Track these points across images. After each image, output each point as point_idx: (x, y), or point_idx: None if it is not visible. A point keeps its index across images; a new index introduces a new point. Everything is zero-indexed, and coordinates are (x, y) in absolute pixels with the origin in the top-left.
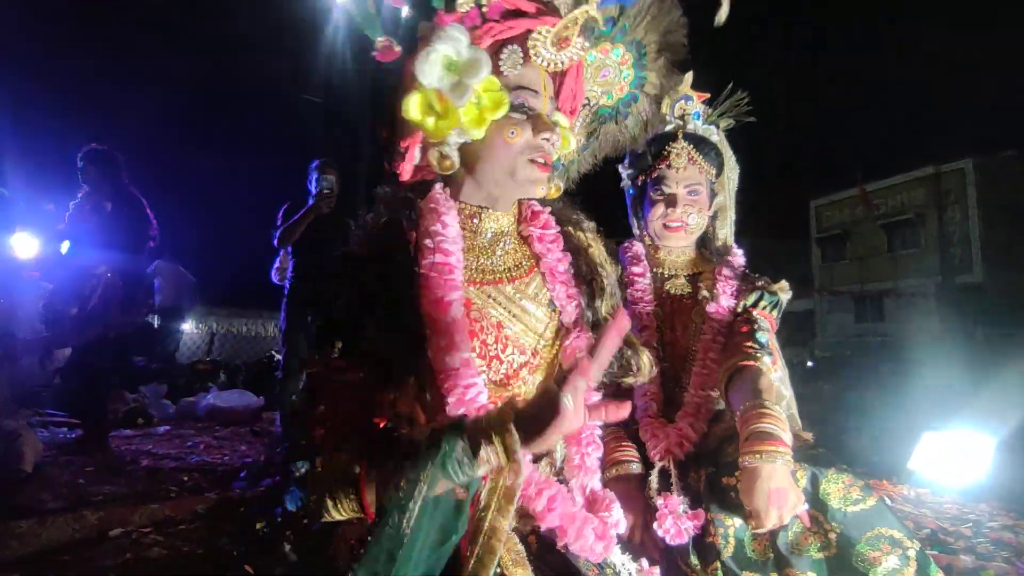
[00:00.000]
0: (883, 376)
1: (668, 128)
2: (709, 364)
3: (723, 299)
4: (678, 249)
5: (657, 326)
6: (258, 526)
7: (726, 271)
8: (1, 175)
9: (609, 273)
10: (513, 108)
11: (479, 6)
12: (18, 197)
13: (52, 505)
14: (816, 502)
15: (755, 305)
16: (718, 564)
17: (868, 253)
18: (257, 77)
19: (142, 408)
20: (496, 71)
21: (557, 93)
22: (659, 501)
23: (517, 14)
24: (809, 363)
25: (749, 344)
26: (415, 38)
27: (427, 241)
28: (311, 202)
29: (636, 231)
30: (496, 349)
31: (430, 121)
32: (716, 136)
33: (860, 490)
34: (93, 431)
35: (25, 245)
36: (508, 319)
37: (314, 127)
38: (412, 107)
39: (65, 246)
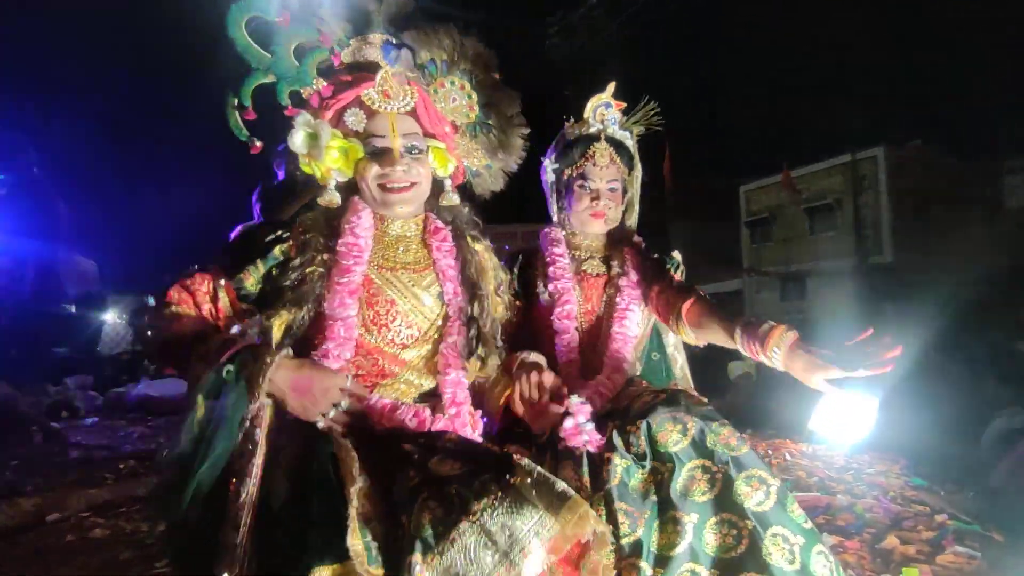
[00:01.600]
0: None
1: (591, 130)
2: (623, 330)
3: (632, 274)
4: (593, 235)
5: (576, 299)
6: None
7: (632, 252)
8: None
9: (492, 279)
10: (367, 151)
11: (316, 92)
12: None
13: None
14: (704, 450)
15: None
16: (603, 492)
17: (792, 236)
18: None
19: (67, 400)
20: (345, 129)
21: (424, 125)
22: (571, 406)
23: (343, 86)
24: None
25: (684, 287)
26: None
27: (346, 226)
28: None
29: (555, 217)
30: (386, 319)
31: (315, 172)
32: (630, 141)
33: (737, 440)
34: (9, 426)
35: None
36: (401, 299)
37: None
38: (301, 165)
39: None
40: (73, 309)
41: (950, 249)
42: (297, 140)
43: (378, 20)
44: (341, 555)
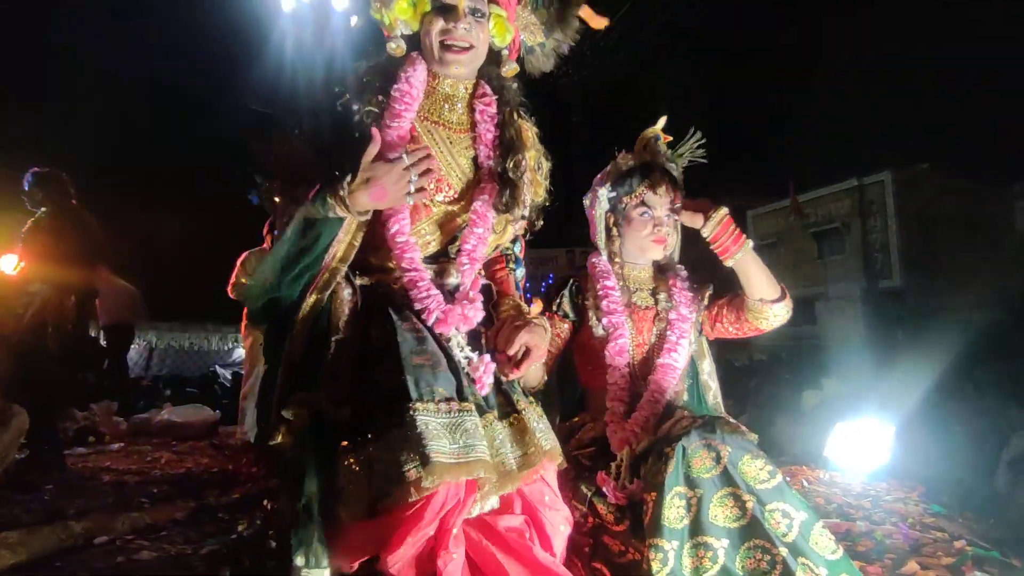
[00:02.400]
0: (811, 375)
1: (647, 160)
2: (670, 361)
3: (682, 308)
4: (642, 266)
5: (629, 334)
6: (240, 528)
7: (679, 283)
8: None
9: (532, 157)
10: (433, 7)
11: None
12: None
13: (28, 520)
14: (735, 479)
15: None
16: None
17: (800, 260)
18: (201, 85)
19: (93, 426)
20: None
21: None
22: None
23: None
24: (746, 362)
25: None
26: None
27: (402, 74)
28: None
29: (604, 246)
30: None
31: (384, 20)
32: (677, 172)
33: (768, 472)
34: (45, 451)
35: None
36: (437, 152)
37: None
38: (372, 11)
39: (7, 262)
40: (103, 335)
41: (960, 273)
42: None
43: None
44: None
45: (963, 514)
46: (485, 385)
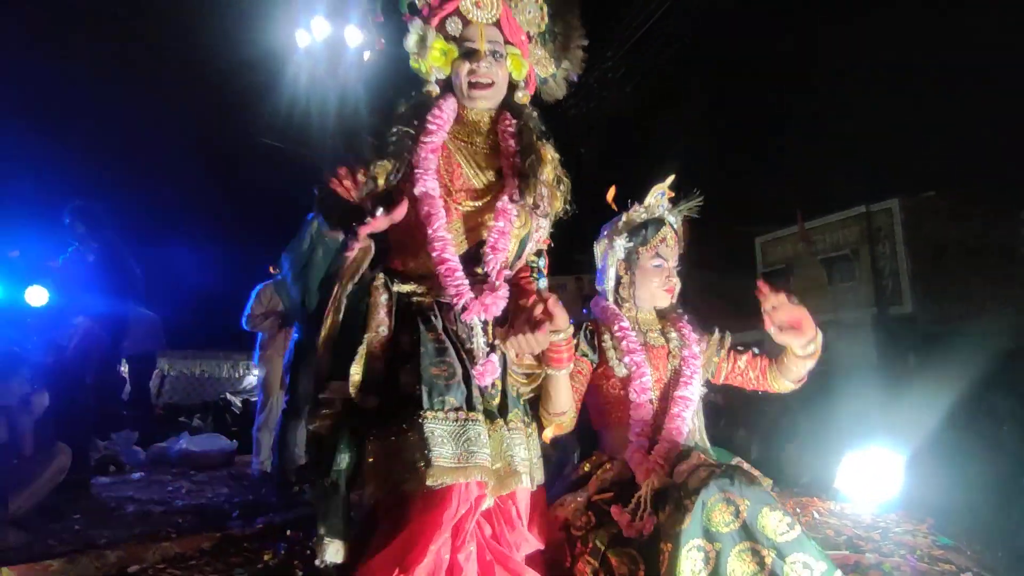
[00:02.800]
0: (823, 403)
1: (658, 215)
2: (686, 394)
3: (693, 346)
4: (647, 309)
5: (650, 372)
6: (266, 558)
7: (685, 324)
8: None
9: (551, 171)
10: (460, 54)
11: (427, 5)
12: None
13: (62, 549)
14: (754, 533)
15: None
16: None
17: (810, 286)
18: (215, 118)
19: (114, 455)
20: (446, 35)
21: (505, 35)
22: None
23: (444, 0)
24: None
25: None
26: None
27: (435, 107)
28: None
29: (613, 291)
30: (451, 176)
31: (420, 67)
32: (678, 226)
33: (787, 524)
34: (75, 479)
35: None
36: (465, 165)
37: (266, 172)
38: (412, 62)
39: (36, 295)
40: (123, 365)
41: (972, 299)
42: (410, 41)
43: None
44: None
45: (972, 546)
46: (485, 376)
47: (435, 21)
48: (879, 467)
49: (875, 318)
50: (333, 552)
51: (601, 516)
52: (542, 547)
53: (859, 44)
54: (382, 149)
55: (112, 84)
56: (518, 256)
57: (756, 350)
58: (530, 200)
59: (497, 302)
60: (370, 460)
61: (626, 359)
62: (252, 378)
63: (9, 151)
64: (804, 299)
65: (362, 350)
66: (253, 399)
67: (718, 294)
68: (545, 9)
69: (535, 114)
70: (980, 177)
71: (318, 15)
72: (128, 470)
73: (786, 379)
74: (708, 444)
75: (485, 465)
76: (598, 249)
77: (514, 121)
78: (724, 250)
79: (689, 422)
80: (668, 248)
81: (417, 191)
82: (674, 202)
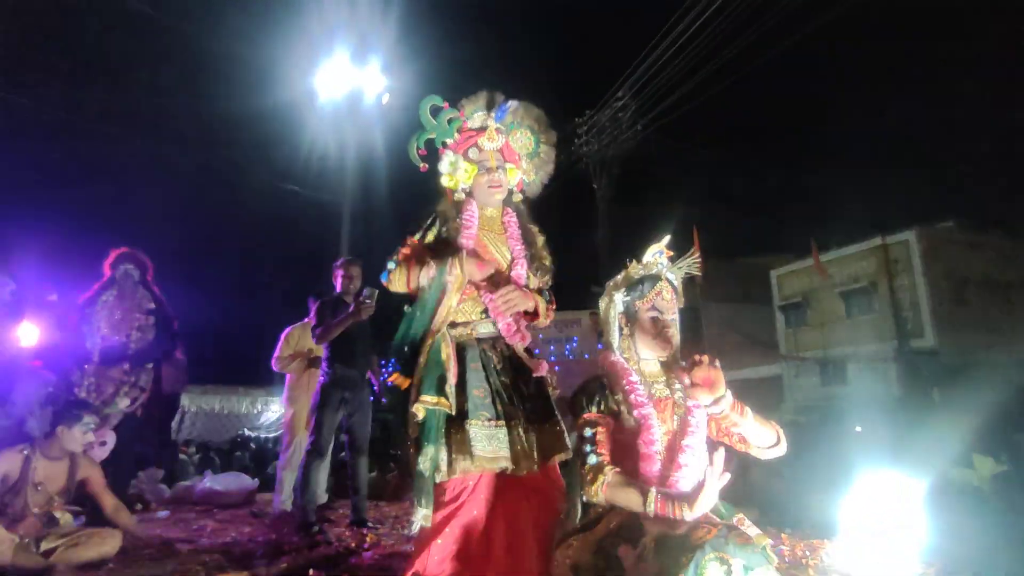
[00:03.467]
0: (843, 438)
1: (654, 272)
2: (693, 442)
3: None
4: (651, 361)
5: (657, 423)
6: None
7: (683, 375)
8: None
9: (540, 244)
10: (479, 170)
11: (455, 142)
12: (25, 288)
13: None
14: None
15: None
16: None
17: (828, 319)
18: (238, 168)
19: (140, 493)
20: (468, 158)
21: (505, 157)
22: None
23: (469, 137)
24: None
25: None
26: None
27: (464, 210)
28: (352, 307)
29: (618, 343)
30: (482, 248)
31: (450, 183)
32: (677, 282)
33: None
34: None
35: (28, 334)
36: (491, 246)
37: (287, 215)
38: (444, 180)
39: (68, 335)
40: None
41: (995, 332)
42: (444, 165)
43: (489, 101)
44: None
45: None
46: (514, 335)
47: (461, 150)
48: (893, 504)
49: (898, 352)
50: (423, 517)
51: (609, 559)
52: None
53: (872, 75)
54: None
55: (138, 134)
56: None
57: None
58: (535, 265)
59: (527, 332)
60: (449, 448)
61: (635, 412)
62: (270, 414)
63: (44, 199)
64: (824, 333)
65: (440, 377)
66: (271, 435)
67: (735, 327)
68: (532, 138)
69: (524, 207)
70: (999, 207)
71: (336, 63)
72: (154, 508)
73: (755, 447)
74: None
75: (506, 457)
76: (602, 304)
77: (514, 214)
78: (739, 281)
79: (696, 472)
80: (664, 301)
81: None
82: (673, 259)
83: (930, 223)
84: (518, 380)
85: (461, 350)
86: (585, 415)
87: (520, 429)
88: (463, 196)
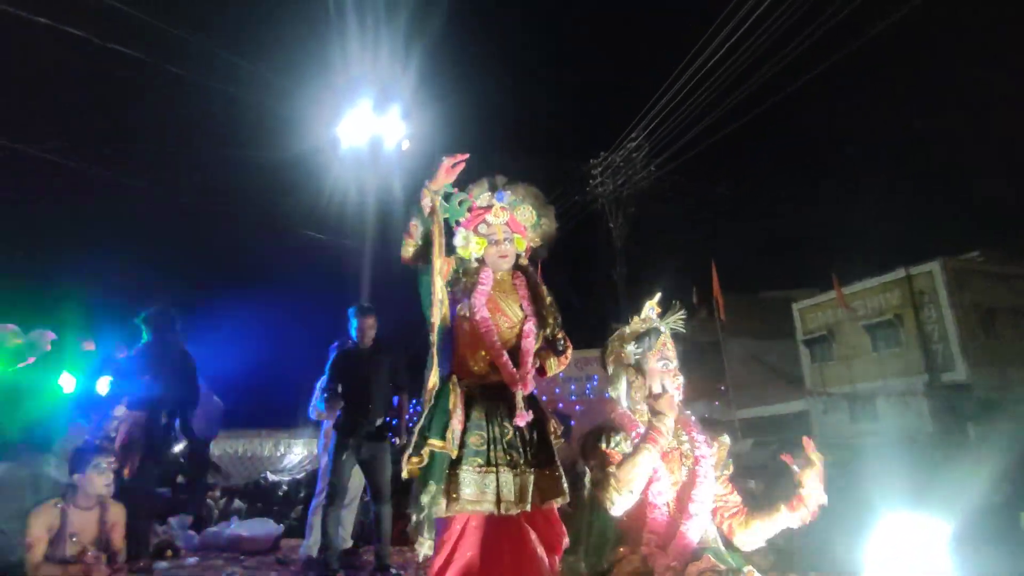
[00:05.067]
0: (877, 477)
1: (654, 325)
2: (702, 492)
3: (704, 447)
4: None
5: (666, 476)
6: None
7: (692, 426)
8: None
9: (546, 301)
10: (488, 243)
11: (467, 220)
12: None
13: None
14: None
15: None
16: None
17: (854, 354)
18: (260, 213)
19: (170, 540)
20: (478, 233)
21: (512, 228)
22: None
23: (478, 215)
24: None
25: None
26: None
27: (480, 273)
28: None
29: (624, 398)
30: (499, 315)
31: (464, 252)
32: (665, 333)
33: None
34: (137, 566)
35: (67, 384)
36: (502, 303)
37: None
38: (459, 250)
39: (102, 384)
40: (187, 449)
41: None
42: (458, 240)
43: (492, 184)
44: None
45: None
46: (523, 420)
47: (471, 226)
48: (921, 544)
49: (927, 386)
50: (427, 548)
51: None
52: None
53: (893, 104)
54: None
55: (162, 183)
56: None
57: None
58: (546, 331)
59: (530, 382)
60: (445, 487)
61: None
62: (293, 457)
63: (80, 249)
64: (850, 367)
65: (445, 424)
66: (294, 478)
67: (758, 362)
68: (534, 212)
69: (531, 269)
70: None
71: (359, 111)
72: (183, 555)
73: (763, 533)
74: (722, 547)
75: (491, 504)
76: (608, 359)
77: (523, 277)
78: (762, 318)
79: (703, 523)
80: (669, 351)
81: (478, 317)
82: (662, 317)
83: (955, 253)
84: (521, 427)
85: (470, 398)
86: (602, 449)
87: (512, 474)
88: (475, 263)
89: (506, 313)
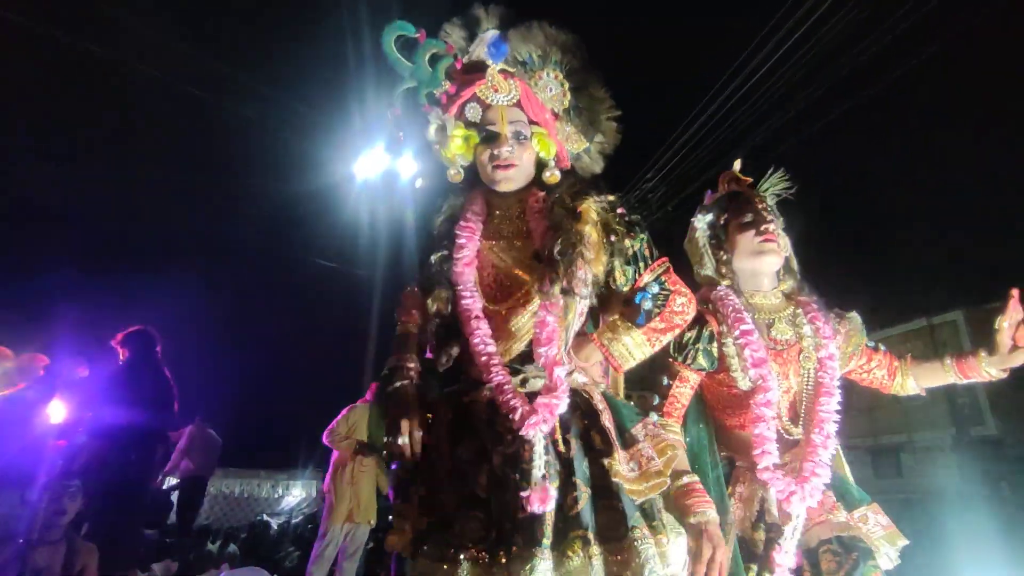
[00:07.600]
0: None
1: (732, 189)
2: (830, 415)
3: (831, 345)
4: (765, 292)
5: (776, 384)
6: None
7: (815, 311)
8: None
9: (586, 227)
10: (481, 138)
11: (445, 93)
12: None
13: None
14: None
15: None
16: None
17: (877, 405)
18: (276, 244)
19: None
20: (466, 121)
21: (528, 115)
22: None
23: (463, 85)
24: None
25: (884, 349)
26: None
27: (461, 217)
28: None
29: (714, 273)
30: (492, 275)
31: (444, 155)
32: (769, 198)
33: None
34: None
35: (56, 412)
36: (498, 260)
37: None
38: (439, 152)
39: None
40: (175, 487)
41: None
42: (431, 131)
43: (485, 24)
44: None
45: None
46: (534, 504)
47: (454, 109)
48: None
49: (955, 440)
50: None
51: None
52: None
53: (913, 152)
54: (428, 282)
55: (174, 208)
56: (567, 344)
57: (883, 346)
58: (557, 289)
59: (554, 402)
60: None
61: (751, 372)
62: (291, 498)
63: (81, 274)
64: (872, 419)
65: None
66: (292, 521)
67: None
68: (566, 85)
69: (571, 180)
70: None
71: (373, 148)
72: None
73: (921, 383)
74: (848, 472)
75: None
76: (690, 246)
77: (541, 195)
78: None
79: (830, 450)
80: (751, 205)
81: (460, 308)
82: (757, 184)
83: (979, 303)
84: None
85: (467, 428)
86: (671, 361)
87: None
88: (460, 174)
89: (507, 281)
